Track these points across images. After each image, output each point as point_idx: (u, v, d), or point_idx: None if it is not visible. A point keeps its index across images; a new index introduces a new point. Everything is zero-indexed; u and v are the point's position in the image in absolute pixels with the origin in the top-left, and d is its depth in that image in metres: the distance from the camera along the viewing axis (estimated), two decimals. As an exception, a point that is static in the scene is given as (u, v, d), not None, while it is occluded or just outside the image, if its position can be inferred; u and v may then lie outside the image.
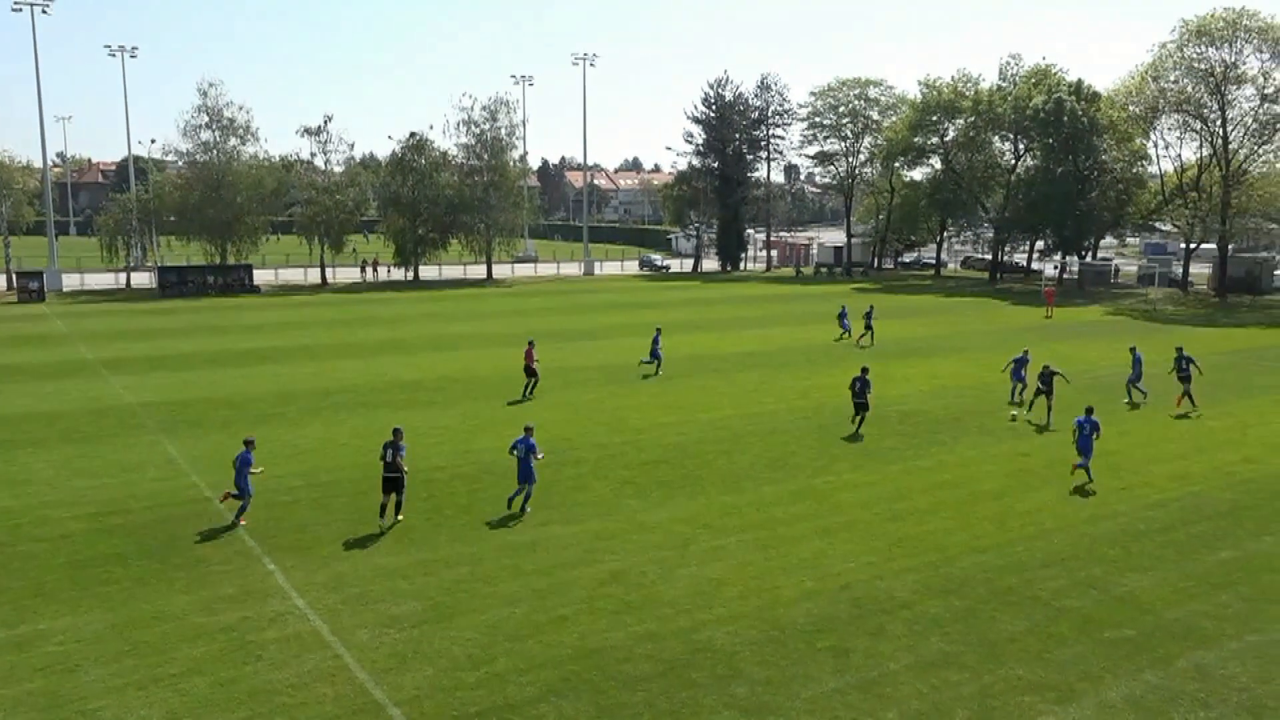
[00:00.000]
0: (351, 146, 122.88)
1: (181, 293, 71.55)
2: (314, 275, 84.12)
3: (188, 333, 50.10)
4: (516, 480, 21.09)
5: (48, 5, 71.87)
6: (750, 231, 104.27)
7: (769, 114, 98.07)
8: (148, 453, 26.19)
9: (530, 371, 34.26)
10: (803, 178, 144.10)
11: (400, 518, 20.58)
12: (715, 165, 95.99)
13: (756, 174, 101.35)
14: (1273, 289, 75.11)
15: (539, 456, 21.12)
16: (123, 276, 78.58)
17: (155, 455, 25.93)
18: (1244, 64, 69.19)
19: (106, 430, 28.75)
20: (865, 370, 29.40)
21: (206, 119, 78.84)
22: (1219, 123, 70.64)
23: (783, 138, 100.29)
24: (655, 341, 38.98)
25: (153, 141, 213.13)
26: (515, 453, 21.00)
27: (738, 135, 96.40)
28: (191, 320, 55.52)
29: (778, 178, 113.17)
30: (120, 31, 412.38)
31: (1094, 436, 23.38)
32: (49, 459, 25.45)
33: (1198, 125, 72.44)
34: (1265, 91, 68.92)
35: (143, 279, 78.68)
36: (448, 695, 13.49)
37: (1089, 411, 23.74)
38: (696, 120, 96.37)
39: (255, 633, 15.27)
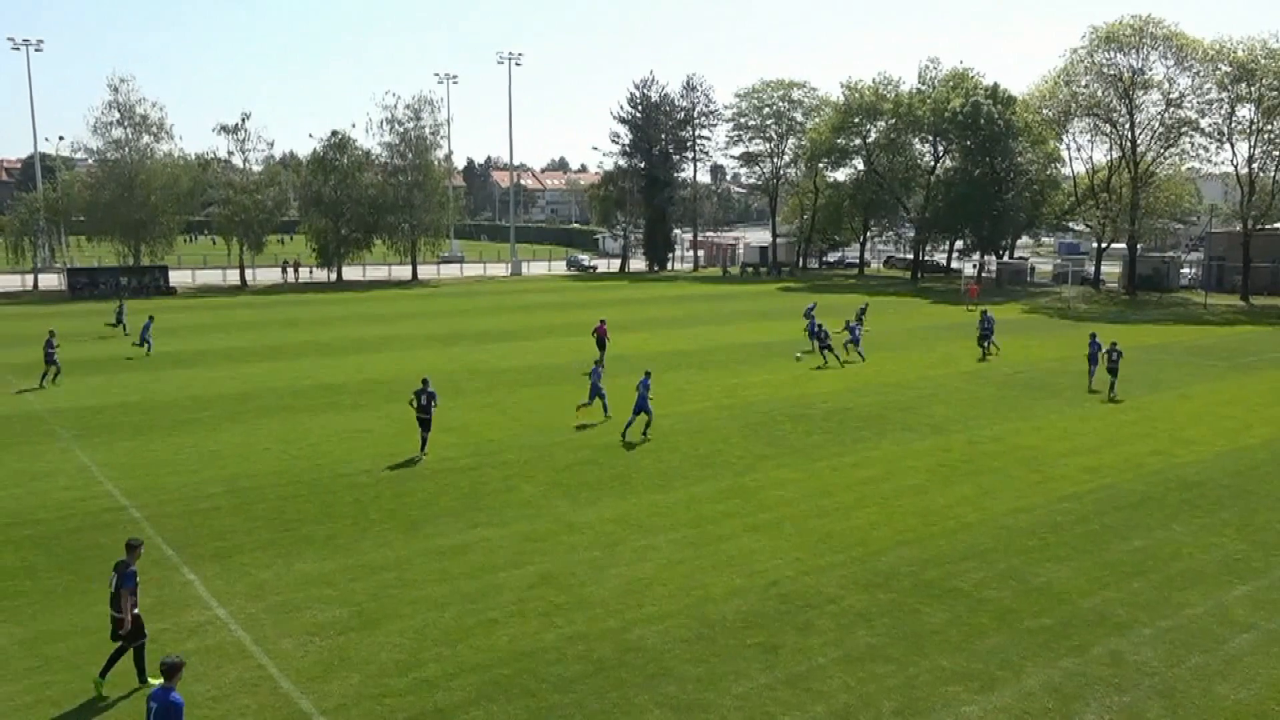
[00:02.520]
0: (271, 145, 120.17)
1: (93, 295, 69.29)
2: (233, 277, 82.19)
3: (100, 337, 48.48)
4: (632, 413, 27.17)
5: (-54, -4, 68.98)
6: (677, 231, 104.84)
7: (695, 115, 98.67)
8: (58, 461, 25.28)
9: (601, 345, 39.30)
10: (728, 178, 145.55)
11: (425, 454, 25.32)
12: (642, 166, 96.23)
13: (683, 174, 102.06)
14: (1179, 286, 78.13)
15: (651, 397, 27.43)
16: (29, 278, 75.79)
17: (66, 463, 25.04)
18: (1150, 70, 71.92)
19: (13, 438, 27.66)
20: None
21: (118, 115, 76.41)
22: (1128, 126, 73.14)
23: (708, 138, 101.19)
24: (813, 320, 43.87)
25: (60, 138, 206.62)
26: (637, 390, 27.21)
27: (664, 136, 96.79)
28: (102, 323, 53.74)
29: (704, 178, 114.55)
30: (25, 23, 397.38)
31: (1100, 353, 34.41)
32: (-49, 469, 24.39)
33: (1108, 129, 74.95)
34: (1170, 96, 71.60)
35: (51, 281, 75.98)
36: (375, 702, 13.28)
37: (1094, 336, 35.77)
38: (623, 120, 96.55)
39: (174, 644, 14.82)
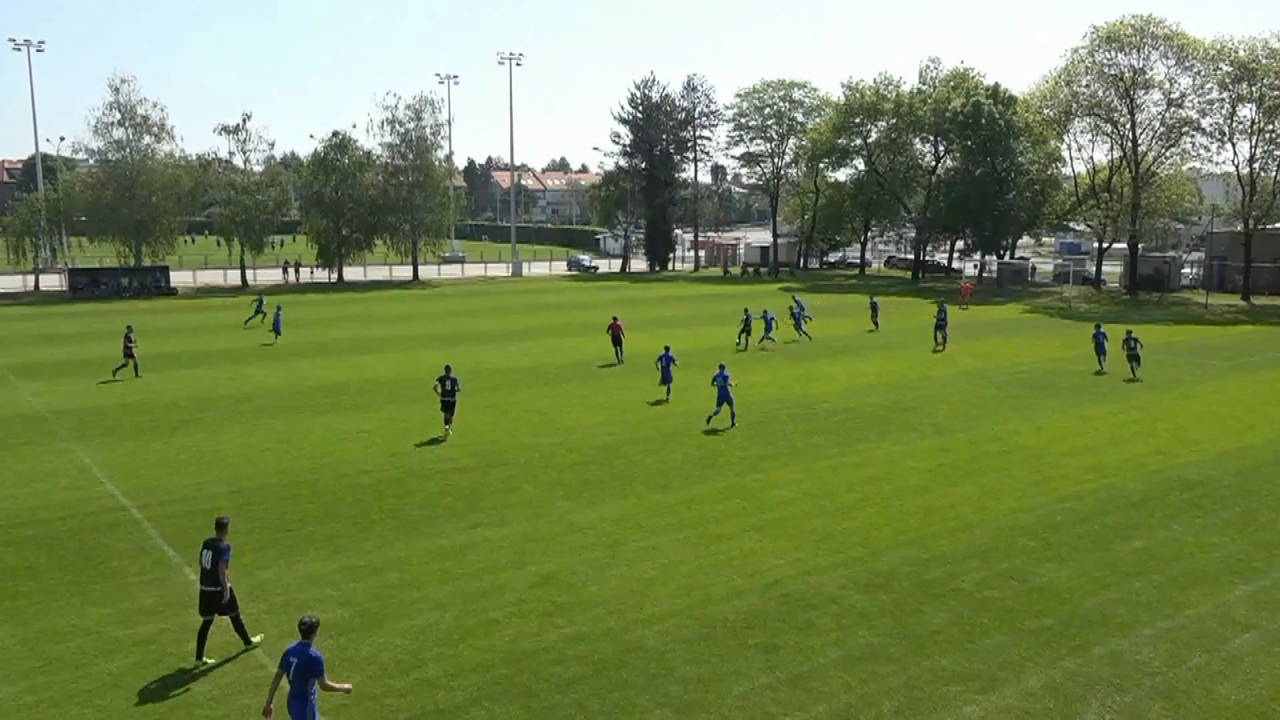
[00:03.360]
0: (272, 145, 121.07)
1: (94, 295, 69.42)
2: (234, 277, 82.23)
3: (101, 337, 48.48)
4: (715, 405, 28.93)
5: (-53, -3, 69.06)
6: (678, 232, 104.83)
7: (695, 115, 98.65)
8: (59, 461, 25.29)
9: (617, 340, 40.75)
10: (729, 178, 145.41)
11: (449, 430, 27.71)
12: (642, 166, 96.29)
13: (684, 175, 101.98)
14: (1180, 286, 78.10)
15: (732, 384, 29.15)
16: (31, 279, 75.86)
17: (67, 464, 25.06)
18: (1151, 69, 71.90)
19: (14, 439, 27.68)
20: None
21: (119, 116, 76.58)
22: (1129, 126, 73.12)
23: (709, 139, 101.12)
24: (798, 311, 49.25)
25: (61, 139, 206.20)
26: (715, 383, 28.73)
27: (665, 136, 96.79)
28: (105, 324, 53.74)
29: (705, 178, 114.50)
30: (26, 24, 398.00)
31: (1105, 341, 37.94)
32: (-47, 469, 24.39)
33: (1109, 128, 74.92)
34: (1171, 96, 71.60)
35: (52, 281, 76.04)
36: (376, 703, 13.28)
37: (1098, 326, 38.77)
38: (624, 121, 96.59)
39: (175, 645, 14.83)
